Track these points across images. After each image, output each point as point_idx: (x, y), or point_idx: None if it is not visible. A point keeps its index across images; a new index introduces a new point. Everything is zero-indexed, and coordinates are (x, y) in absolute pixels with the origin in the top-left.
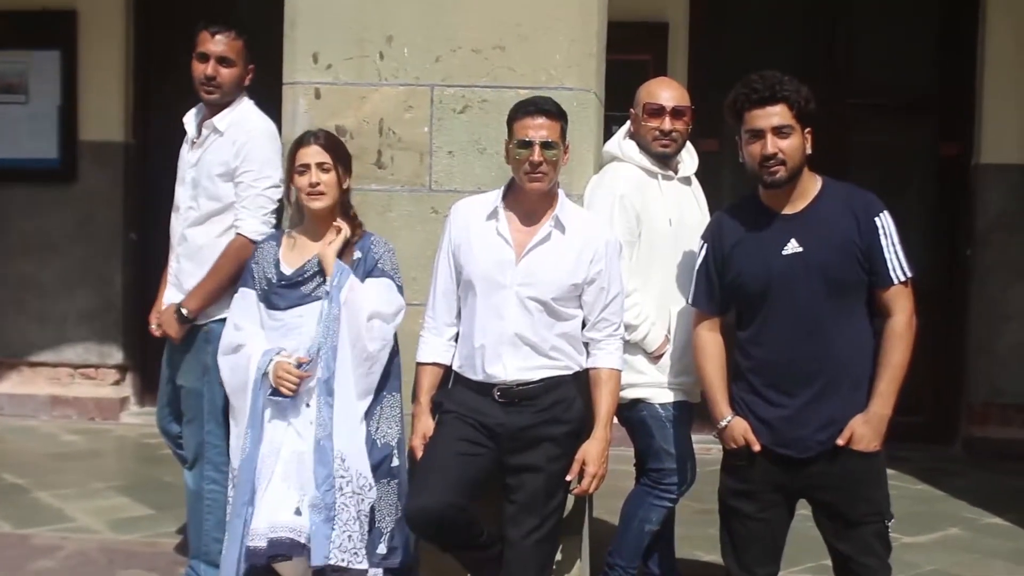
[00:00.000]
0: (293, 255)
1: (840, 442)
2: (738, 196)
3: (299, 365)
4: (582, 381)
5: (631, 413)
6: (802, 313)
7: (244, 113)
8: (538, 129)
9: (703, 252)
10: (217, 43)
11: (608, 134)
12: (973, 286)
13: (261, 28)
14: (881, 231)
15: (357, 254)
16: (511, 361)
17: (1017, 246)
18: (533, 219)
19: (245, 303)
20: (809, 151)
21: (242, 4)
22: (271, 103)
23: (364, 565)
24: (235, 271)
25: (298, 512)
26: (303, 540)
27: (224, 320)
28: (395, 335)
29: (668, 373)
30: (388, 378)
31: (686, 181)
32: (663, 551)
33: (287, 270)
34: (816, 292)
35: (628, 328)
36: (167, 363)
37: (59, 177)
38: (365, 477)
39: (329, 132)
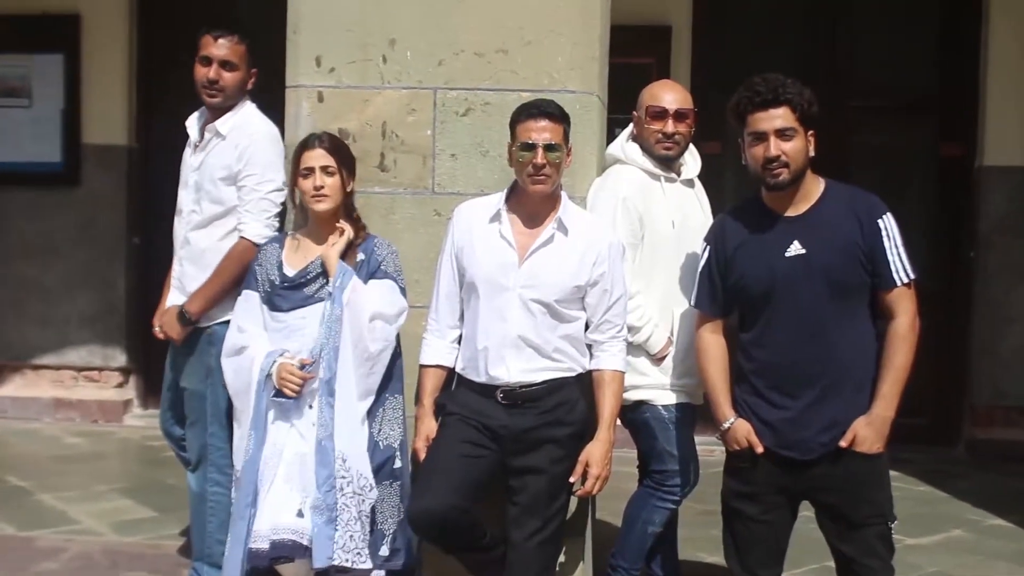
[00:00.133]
0: (296, 257)
1: (843, 444)
2: (741, 198)
3: (302, 367)
4: (585, 383)
5: (634, 415)
6: (805, 315)
7: (246, 117)
8: (541, 132)
9: (706, 254)
10: (220, 47)
11: (611, 137)
12: (976, 288)
13: (263, 32)
14: (884, 233)
15: (360, 256)
16: (514, 363)
17: (1020, 249)
18: (536, 221)
19: (248, 305)
20: (812, 153)
21: (244, 8)
22: (273, 107)
23: (368, 564)
24: (238, 274)
25: (300, 514)
26: (305, 542)
27: (227, 323)
28: (397, 337)
29: (671, 375)
30: (390, 380)
31: (689, 183)
32: (666, 553)
33: (290, 272)
34: (819, 294)
35: (631, 330)
36: (170, 366)
37: (62, 180)
38: (366, 478)
39: (333, 135)
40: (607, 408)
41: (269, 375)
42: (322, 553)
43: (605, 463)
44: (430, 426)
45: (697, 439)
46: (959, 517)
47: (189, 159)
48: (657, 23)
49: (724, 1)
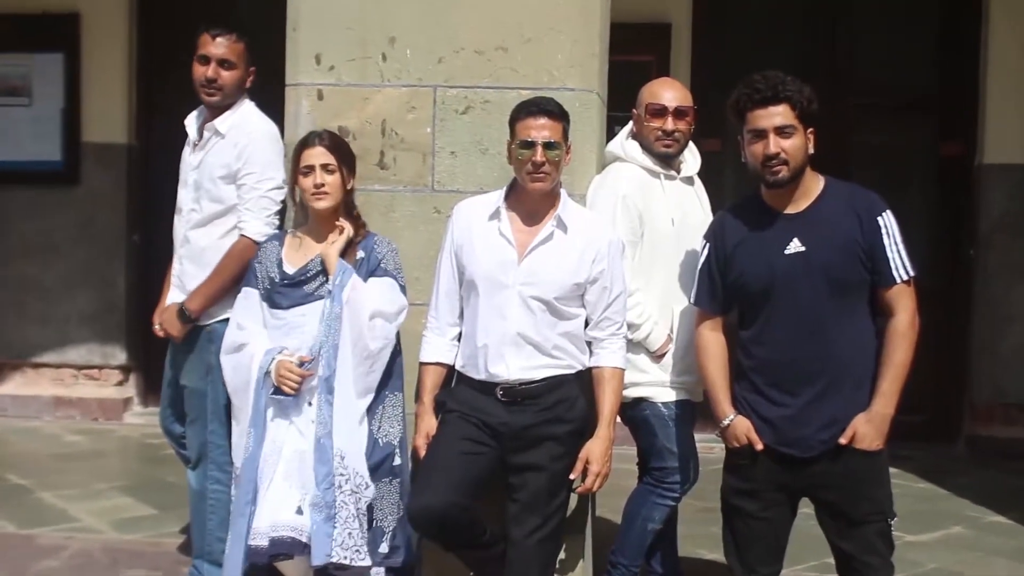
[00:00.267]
0: (296, 255)
1: (843, 441)
2: (741, 196)
3: (301, 364)
4: (585, 380)
5: (634, 412)
6: (804, 312)
7: (245, 115)
8: (540, 129)
9: (705, 252)
10: (218, 45)
11: (611, 135)
12: (976, 286)
13: (262, 30)
14: (884, 231)
15: (360, 254)
16: (514, 360)
17: (1021, 247)
18: (535, 219)
19: (248, 302)
20: (811, 151)
21: (243, 6)
22: (272, 105)
23: (367, 562)
24: (238, 272)
25: (300, 511)
26: (304, 539)
27: (227, 320)
28: (397, 334)
29: (671, 372)
30: (390, 377)
31: (689, 181)
32: (666, 550)
33: (290, 269)
34: (819, 291)
35: (631, 327)
36: (170, 363)
37: (62, 179)
38: (362, 476)
39: (333, 133)
40: (607, 405)
41: (268, 372)
42: (321, 551)
43: (605, 460)
44: (430, 423)
45: (697, 436)
46: (959, 514)
47: (188, 158)
48: (657, 21)
49: None
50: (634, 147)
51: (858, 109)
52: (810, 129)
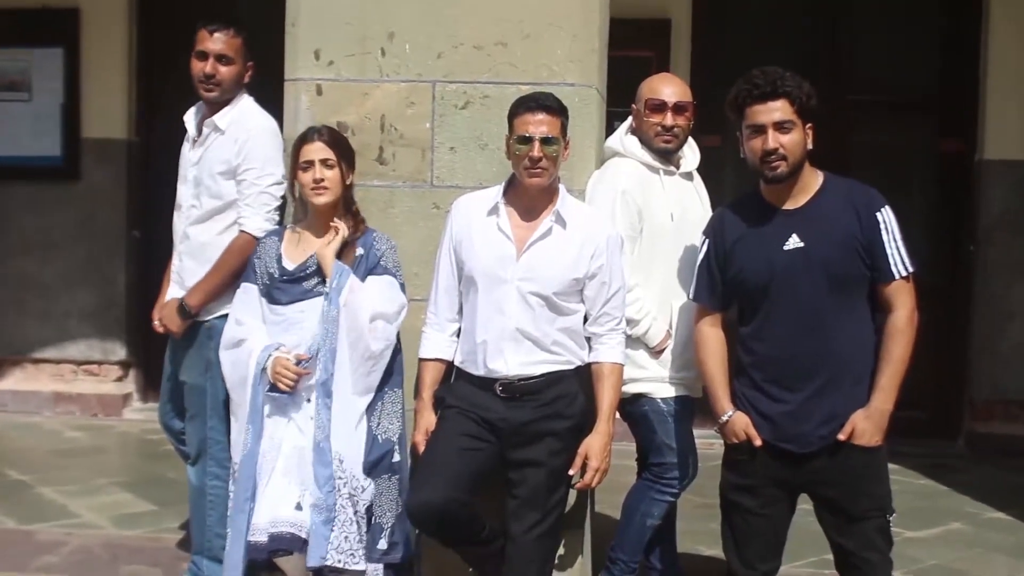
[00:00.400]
0: (296, 250)
1: (841, 437)
2: (740, 192)
3: (298, 362)
4: (584, 376)
5: (633, 408)
6: (804, 308)
7: (244, 111)
8: (538, 125)
9: (705, 248)
10: (216, 41)
11: (610, 130)
12: (976, 283)
13: (261, 25)
14: (883, 226)
15: (359, 250)
16: (513, 356)
17: (1021, 244)
18: (534, 214)
19: (247, 298)
20: (810, 146)
21: (242, 1)
22: (271, 101)
23: (361, 566)
24: (238, 268)
25: (299, 507)
26: (304, 535)
27: (227, 316)
28: (397, 332)
29: (670, 368)
30: (390, 375)
31: (688, 177)
32: (665, 546)
33: (289, 265)
34: (818, 287)
35: (630, 323)
36: (169, 359)
37: (62, 175)
38: (358, 479)
39: (333, 128)
40: (606, 401)
41: (264, 369)
42: (316, 552)
43: (604, 456)
44: (429, 419)
45: (696, 432)
46: (958, 510)
47: (188, 154)
48: (657, 16)
49: None
50: (633, 143)
51: (858, 107)
52: (809, 125)
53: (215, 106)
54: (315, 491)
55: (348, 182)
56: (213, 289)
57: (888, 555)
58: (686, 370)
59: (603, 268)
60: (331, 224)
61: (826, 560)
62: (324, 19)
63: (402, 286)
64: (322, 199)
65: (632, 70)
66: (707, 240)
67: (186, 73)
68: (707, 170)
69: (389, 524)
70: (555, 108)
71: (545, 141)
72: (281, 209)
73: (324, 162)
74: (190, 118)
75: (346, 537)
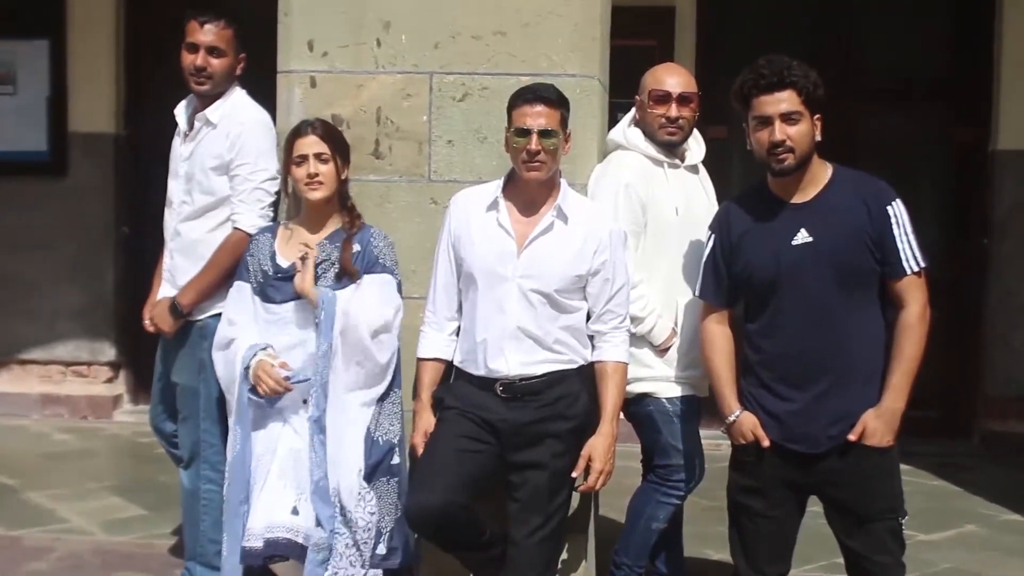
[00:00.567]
0: (289, 248)
1: (852, 437)
2: (747, 185)
3: (287, 377)
4: (587, 375)
5: (637, 408)
6: (812, 305)
7: (237, 104)
8: (536, 117)
9: (710, 243)
10: (206, 32)
11: (613, 122)
12: (990, 277)
13: (252, 16)
14: (893, 220)
15: (356, 247)
16: (514, 355)
17: None
18: (535, 209)
19: (240, 296)
20: (818, 138)
21: None
22: (264, 93)
23: (360, 573)
24: (231, 266)
25: (295, 511)
26: (300, 540)
27: (219, 315)
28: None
29: (675, 367)
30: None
31: (693, 169)
32: (671, 550)
33: (283, 263)
34: (827, 283)
35: (634, 320)
36: (161, 359)
37: (48, 170)
38: (349, 511)
39: (326, 121)
40: (610, 401)
41: (248, 368)
42: None
43: (608, 457)
44: (428, 421)
45: (702, 433)
46: (973, 512)
47: (179, 148)
48: (660, 4)
49: None
50: (637, 135)
51: (869, 95)
52: (817, 115)
53: (206, 99)
54: (315, 522)
55: (343, 177)
56: (206, 288)
57: (900, 558)
58: (692, 369)
59: (606, 264)
60: (299, 255)
61: (836, 564)
62: (317, 9)
63: (399, 284)
64: (316, 194)
65: (635, 60)
66: (713, 235)
67: (176, 65)
68: (713, 162)
69: (388, 528)
70: (554, 100)
71: (543, 134)
72: (275, 205)
73: (318, 156)
74: (181, 112)
75: (349, 562)
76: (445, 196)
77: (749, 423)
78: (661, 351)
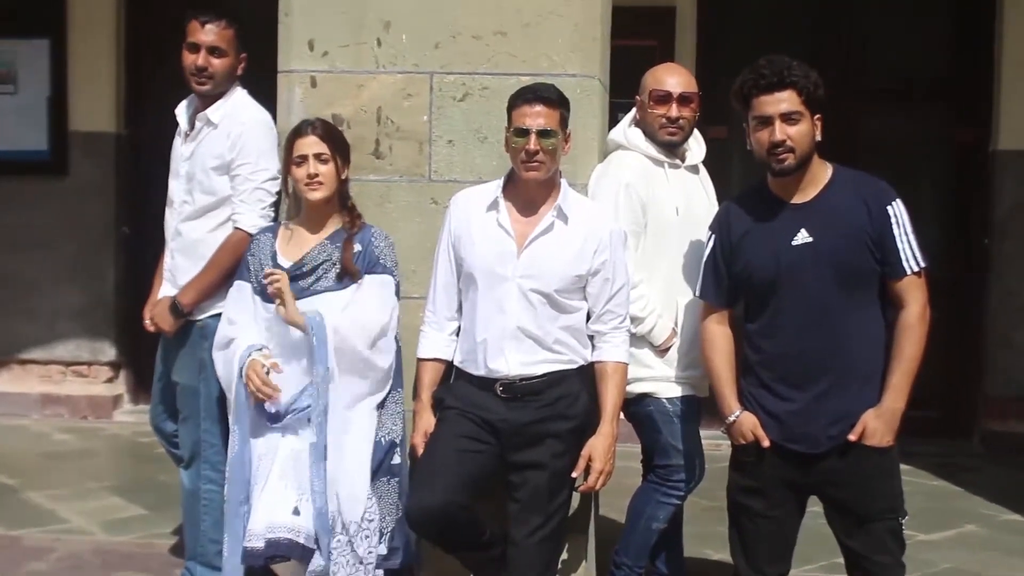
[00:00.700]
0: (290, 248)
1: (852, 437)
2: (747, 184)
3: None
4: (587, 375)
5: (637, 408)
6: (812, 304)
7: (238, 104)
8: (535, 117)
9: (711, 243)
10: (207, 32)
11: (613, 122)
12: (991, 277)
13: (253, 15)
14: (893, 220)
15: (357, 247)
16: (514, 355)
17: None
18: (534, 209)
19: (240, 296)
20: (818, 138)
21: None
22: (265, 93)
23: (360, 574)
24: (232, 266)
25: (296, 512)
26: (302, 540)
27: (220, 315)
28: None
29: (675, 367)
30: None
31: (693, 169)
32: (671, 550)
33: (285, 263)
34: (827, 283)
35: (634, 320)
36: (161, 359)
37: (49, 169)
38: (354, 524)
39: (327, 121)
40: (610, 401)
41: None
42: None
43: (608, 458)
44: (428, 421)
45: (703, 433)
46: (973, 512)
47: (180, 148)
48: (661, 4)
49: None
50: (637, 135)
51: (869, 95)
52: (817, 115)
53: (207, 99)
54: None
55: (343, 177)
56: (206, 287)
57: (900, 558)
58: (692, 369)
59: (606, 264)
60: (270, 284)
61: (836, 564)
62: (318, 9)
63: (398, 285)
64: (316, 195)
65: (636, 60)
66: (713, 235)
67: (177, 65)
68: (713, 163)
69: (388, 529)
70: (554, 100)
71: (542, 134)
72: (276, 205)
73: (318, 156)
74: (182, 112)
75: (349, 562)
76: (445, 196)
77: (749, 423)
78: (661, 351)
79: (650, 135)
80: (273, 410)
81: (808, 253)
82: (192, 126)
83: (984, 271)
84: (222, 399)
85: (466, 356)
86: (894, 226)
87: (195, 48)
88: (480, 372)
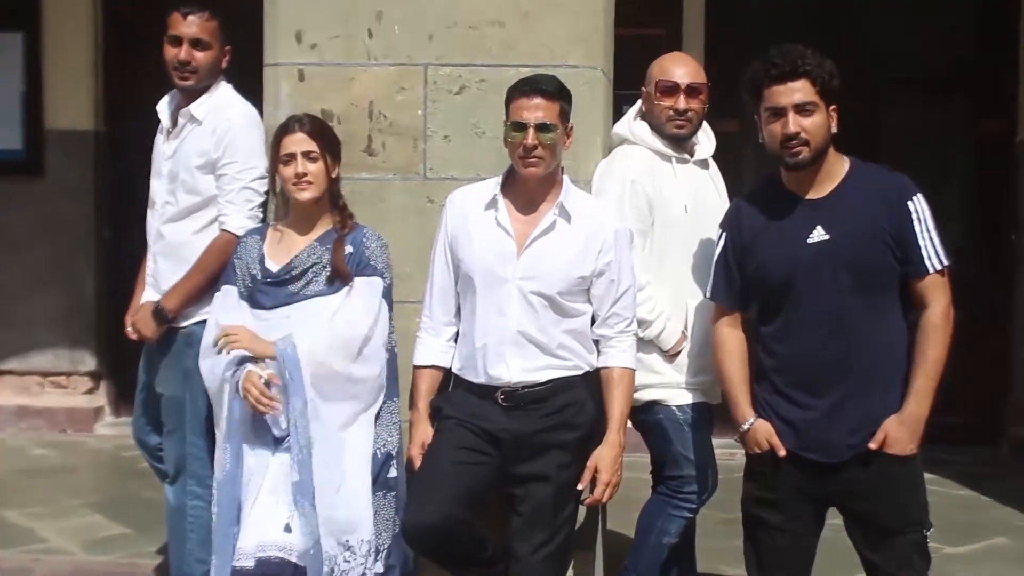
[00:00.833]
0: (279, 250)
1: (873, 446)
2: (758, 178)
3: (268, 384)
4: (593, 382)
5: (646, 416)
6: (830, 306)
7: (223, 99)
8: (533, 110)
9: (722, 242)
10: (190, 25)
11: (618, 115)
12: (1018, 275)
13: (238, 5)
14: (914, 216)
15: (348, 248)
16: (515, 361)
17: None
18: (535, 207)
19: (227, 301)
20: (834, 130)
21: None
22: (250, 87)
23: None
24: (219, 269)
25: (287, 529)
26: (293, 559)
27: (206, 322)
28: (391, 334)
29: (686, 372)
30: (386, 382)
31: (703, 164)
32: (683, 566)
33: (273, 267)
34: (845, 283)
35: (641, 324)
36: (144, 369)
37: (24, 169)
38: (364, 539)
39: (315, 117)
40: (617, 409)
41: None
42: None
43: (615, 468)
44: (425, 432)
45: (715, 442)
46: (1002, 523)
47: (162, 146)
48: None
49: None
50: (643, 128)
51: (889, 84)
52: (832, 106)
53: (191, 94)
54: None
55: (334, 175)
56: (191, 292)
57: (926, 573)
58: (703, 374)
59: (611, 265)
60: (229, 339)
61: None
62: None
63: (390, 287)
64: (305, 195)
65: (641, 50)
66: (724, 234)
67: (158, 59)
68: (724, 157)
69: (385, 545)
70: (553, 92)
71: (541, 128)
72: (265, 205)
73: (306, 155)
74: (164, 108)
75: None
76: (442, 194)
77: (764, 431)
78: (671, 356)
79: (657, 128)
80: (278, 432)
81: (825, 252)
82: (175, 123)
83: (1011, 269)
84: (209, 410)
85: (465, 363)
86: (915, 222)
87: (177, 41)
88: (480, 379)
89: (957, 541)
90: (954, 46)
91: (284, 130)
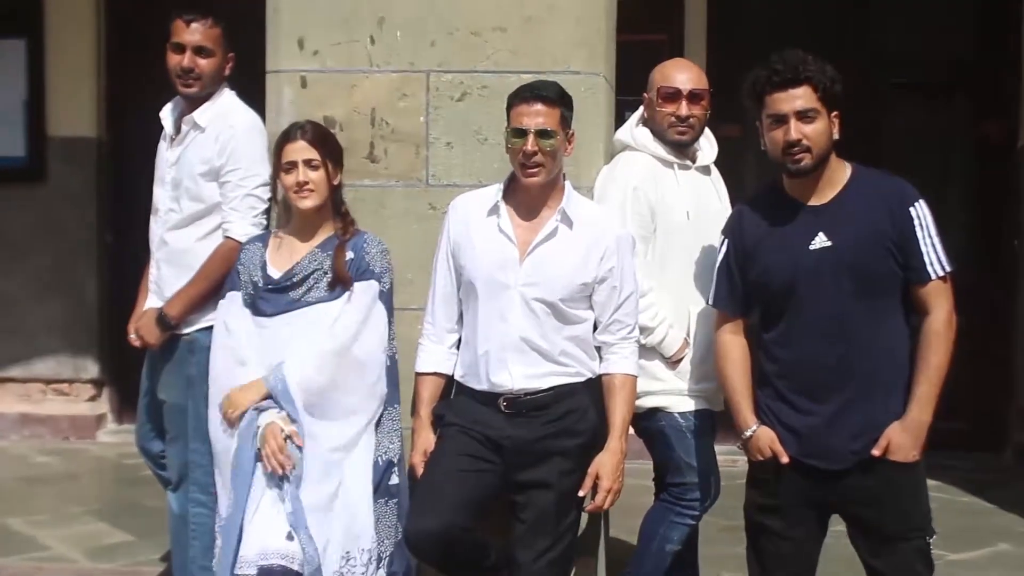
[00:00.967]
0: (280, 257)
1: (876, 452)
2: (760, 184)
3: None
4: (595, 389)
5: (649, 423)
6: (832, 312)
7: (226, 106)
8: (534, 116)
9: (724, 248)
10: (193, 32)
11: (620, 121)
12: (1021, 280)
13: (241, 13)
14: (916, 222)
15: (349, 254)
16: (517, 368)
17: None
18: (537, 213)
19: (233, 307)
20: (836, 136)
21: None
22: (253, 94)
23: None
24: (222, 277)
25: (290, 537)
26: (296, 567)
27: (209, 329)
28: (392, 340)
29: (688, 379)
30: (387, 389)
31: (705, 171)
32: (686, 573)
33: (275, 274)
34: (847, 289)
35: (644, 331)
36: (147, 375)
37: (27, 176)
38: (369, 551)
39: (317, 124)
40: (619, 416)
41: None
42: None
43: (617, 475)
44: (427, 439)
45: (718, 448)
46: (1006, 530)
47: (165, 154)
48: None
49: None
50: (645, 134)
51: (890, 88)
52: (834, 113)
53: (194, 102)
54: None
55: (335, 183)
56: (195, 299)
57: None
58: (706, 381)
59: (613, 271)
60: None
61: None
62: (308, 5)
63: (390, 292)
64: (307, 203)
65: (643, 55)
66: (726, 240)
67: (161, 66)
68: (726, 163)
69: (387, 553)
70: (553, 98)
71: (541, 134)
72: (268, 212)
73: (308, 163)
74: (167, 115)
75: None
76: (444, 201)
77: (766, 438)
78: (673, 363)
79: (659, 135)
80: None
81: (827, 258)
82: (178, 130)
83: (1014, 274)
84: None
85: (467, 370)
86: (917, 228)
87: (180, 48)
88: (482, 386)
89: (960, 548)
90: (954, 47)
91: (285, 138)
